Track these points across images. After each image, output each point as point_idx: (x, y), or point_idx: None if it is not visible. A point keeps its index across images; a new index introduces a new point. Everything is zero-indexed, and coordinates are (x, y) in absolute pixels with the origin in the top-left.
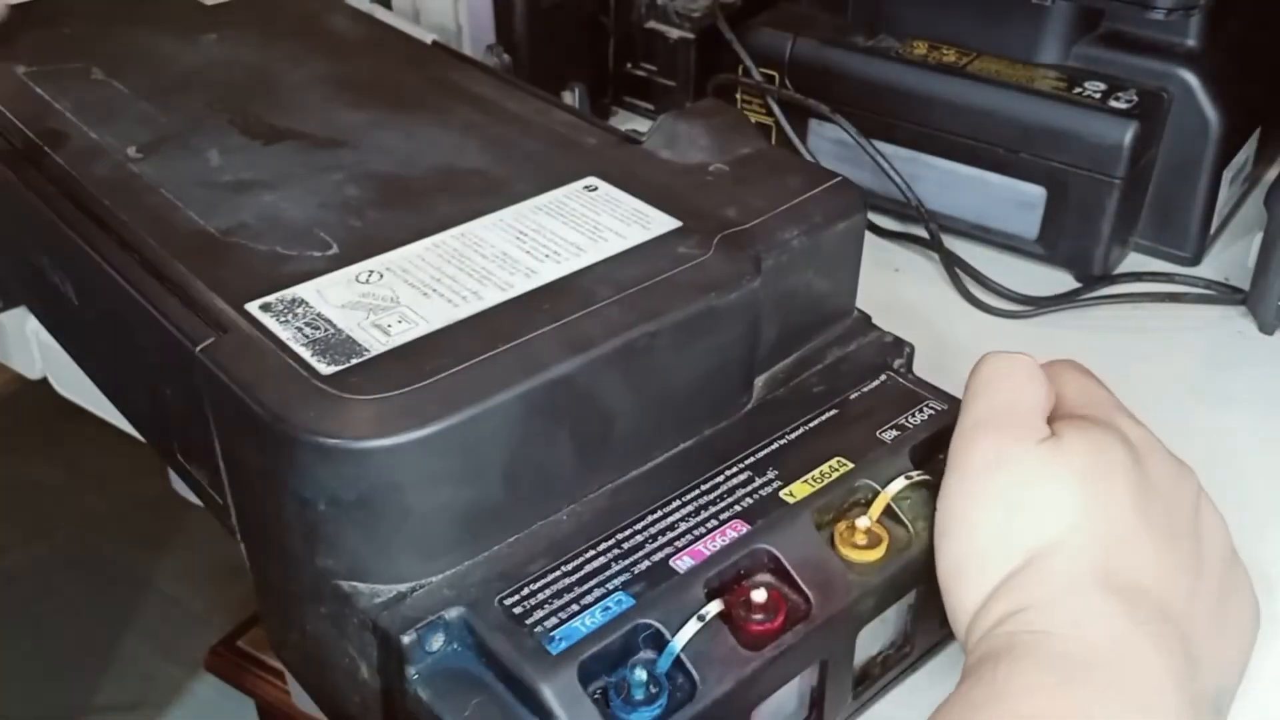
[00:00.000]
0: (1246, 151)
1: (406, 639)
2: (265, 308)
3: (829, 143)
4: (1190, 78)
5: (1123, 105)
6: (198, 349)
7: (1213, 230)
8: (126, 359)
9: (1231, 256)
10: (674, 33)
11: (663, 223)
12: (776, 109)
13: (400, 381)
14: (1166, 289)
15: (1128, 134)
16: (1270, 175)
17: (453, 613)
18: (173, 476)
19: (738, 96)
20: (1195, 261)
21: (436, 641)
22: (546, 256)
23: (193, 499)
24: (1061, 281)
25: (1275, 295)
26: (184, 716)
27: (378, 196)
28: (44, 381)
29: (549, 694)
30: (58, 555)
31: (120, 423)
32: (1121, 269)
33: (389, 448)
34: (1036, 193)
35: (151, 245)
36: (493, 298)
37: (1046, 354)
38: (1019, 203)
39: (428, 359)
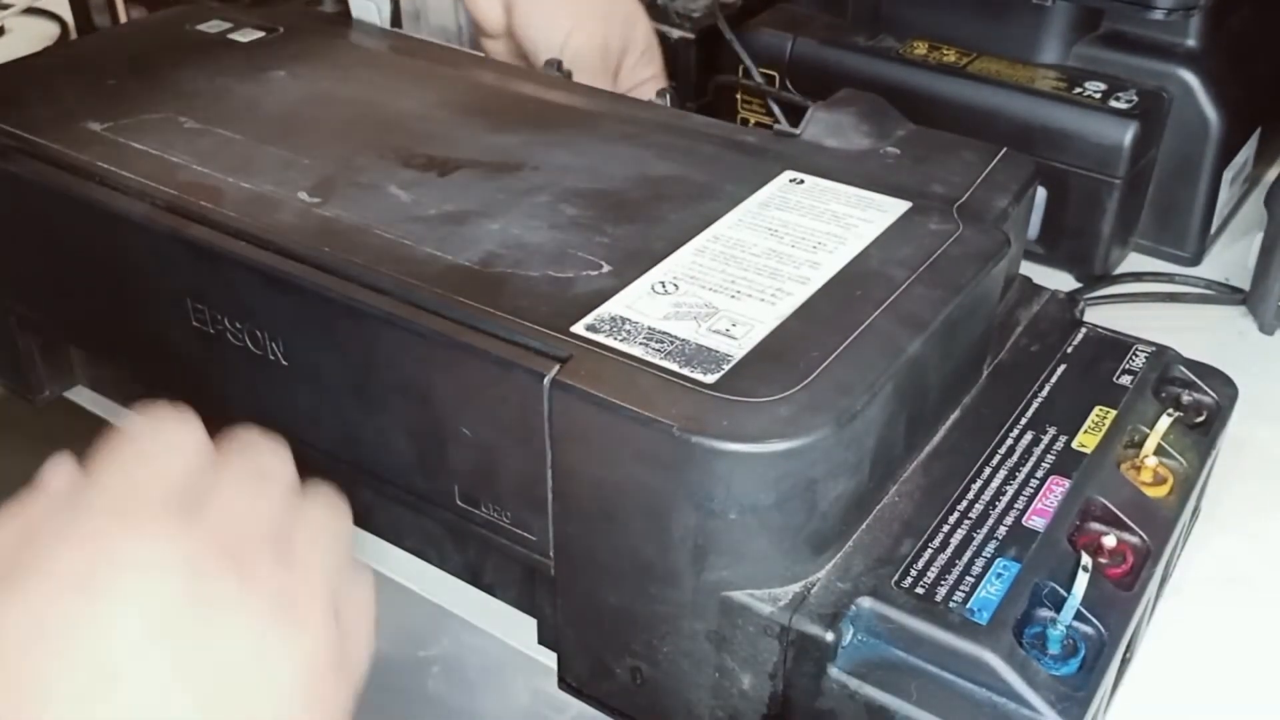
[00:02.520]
0: (1246, 151)
1: (830, 636)
2: (592, 329)
3: None
4: (1190, 78)
5: (1123, 105)
6: (550, 376)
7: (1213, 230)
8: (371, 408)
9: (1231, 256)
10: (674, 33)
11: (894, 205)
12: (777, 109)
13: (791, 380)
14: (1166, 289)
15: (1128, 134)
16: (1270, 175)
17: (865, 603)
18: None
19: (738, 97)
20: (1195, 261)
21: (847, 634)
22: (815, 247)
23: None
24: (1062, 281)
25: (1275, 295)
26: None
27: (600, 212)
28: None
29: (998, 662)
30: None
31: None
32: (1121, 269)
33: (814, 444)
34: (1037, 193)
35: (414, 285)
36: (801, 291)
37: None
38: None
39: (794, 355)
